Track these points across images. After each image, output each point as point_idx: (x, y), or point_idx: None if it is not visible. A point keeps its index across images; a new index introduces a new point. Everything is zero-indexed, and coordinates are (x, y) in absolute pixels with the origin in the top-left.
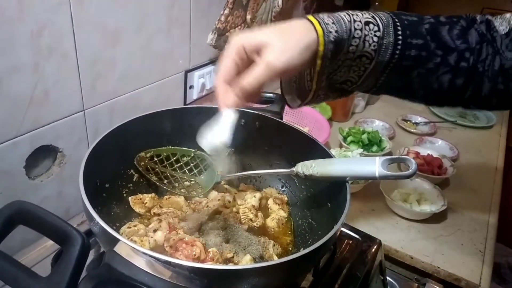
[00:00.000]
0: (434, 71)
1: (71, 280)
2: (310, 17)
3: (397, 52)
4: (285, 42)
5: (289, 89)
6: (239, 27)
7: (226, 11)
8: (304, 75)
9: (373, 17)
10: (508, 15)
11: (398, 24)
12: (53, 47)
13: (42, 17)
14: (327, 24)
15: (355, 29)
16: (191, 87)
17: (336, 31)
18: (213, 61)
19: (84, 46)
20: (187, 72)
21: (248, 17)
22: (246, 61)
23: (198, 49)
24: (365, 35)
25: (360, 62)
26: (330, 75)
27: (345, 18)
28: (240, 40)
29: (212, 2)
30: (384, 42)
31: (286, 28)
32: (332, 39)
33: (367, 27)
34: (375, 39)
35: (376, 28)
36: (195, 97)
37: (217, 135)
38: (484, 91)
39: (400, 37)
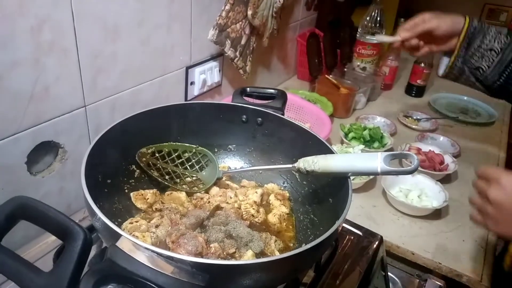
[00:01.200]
0: None
1: (73, 275)
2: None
3: None
4: (440, 16)
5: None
6: (240, 23)
7: (227, 7)
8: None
9: (500, 31)
10: None
11: None
12: (53, 42)
13: (43, 12)
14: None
15: (489, 28)
16: (192, 83)
17: (477, 23)
18: (214, 57)
19: (84, 41)
20: (188, 68)
21: (249, 12)
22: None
23: (199, 45)
24: (496, 35)
25: (490, 54)
26: (467, 57)
27: (482, 23)
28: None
29: None
30: (509, 45)
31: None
32: (474, 26)
33: (498, 34)
34: (503, 40)
35: (504, 35)
36: (196, 93)
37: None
38: None
39: None
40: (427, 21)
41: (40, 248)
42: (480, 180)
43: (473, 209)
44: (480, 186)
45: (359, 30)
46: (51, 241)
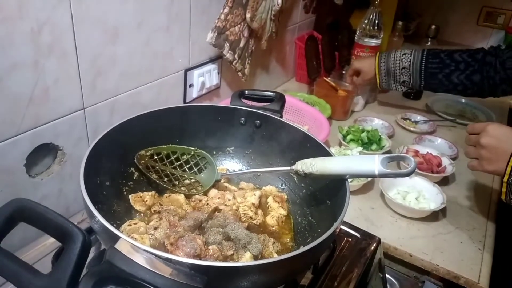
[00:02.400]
0: (453, 73)
1: (72, 277)
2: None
3: (423, 62)
4: (365, 71)
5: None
6: (239, 25)
7: (226, 10)
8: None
9: (405, 53)
10: None
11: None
12: (53, 44)
13: (42, 14)
14: (381, 58)
15: (396, 54)
16: (191, 85)
17: (384, 56)
18: (212, 60)
19: (84, 44)
20: (187, 70)
21: (248, 15)
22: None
23: (198, 48)
24: (401, 57)
25: (404, 70)
26: (391, 77)
27: (389, 53)
28: (354, 64)
29: (212, 0)
30: (414, 59)
31: (367, 61)
32: (382, 61)
33: (402, 55)
34: (407, 58)
35: (407, 54)
36: (194, 95)
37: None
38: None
39: (424, 56)
40: (356, 76)
41: (38, 250)
42: (470, 135)
43: (469, 160)
44: (472, 138)
45: (357, 33)
46: (49, 243)
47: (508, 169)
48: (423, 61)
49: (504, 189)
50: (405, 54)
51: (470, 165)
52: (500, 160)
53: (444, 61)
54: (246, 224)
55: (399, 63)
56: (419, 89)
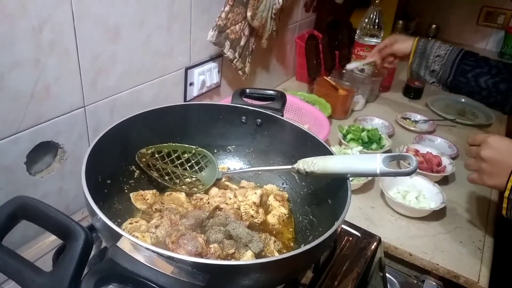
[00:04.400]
0: (483, 75)
1: (74, 274)
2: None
3: (459, 57)
4: (400, 41)
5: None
6: (240, 24)
7: (227, 8)
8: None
9: (443, 42)
10: None
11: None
12: (54, 42)
13: (43, 12)
14: (420, 39)
15: (435, 42)
16: (191, 84)
17: (423, 40)
18: (213, 58)
19: (85, 41)
20: (187, 69)
21: (249, 14)
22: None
23: (198, 46)
24: (441, 45)
25: (438, 59)
26: (423, 63)
27: (429, 40)
28: (392, 36)
29: None
30: (451, 50)
31: (407, 37)
32: (421, 42)
33: (442, 44)
34: (446, 47)
35: (446, 44)
36: (195, 94)
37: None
38: None
39: (462, 52)
40: (388, 46)
41: (39, 248)
42: (471, 146)
43: (469, 172)
44: (473, 150)
45: (357, 32)
46: (49, 241)
47: (509, 184)
48: (460, 55)
49: (505, 205)
50: (444, 44)
51: (470, 178)
52: (501, 175)
53: (479, 61)
54: (247, 223)
55: (436, 50)
56: (445, 85)
